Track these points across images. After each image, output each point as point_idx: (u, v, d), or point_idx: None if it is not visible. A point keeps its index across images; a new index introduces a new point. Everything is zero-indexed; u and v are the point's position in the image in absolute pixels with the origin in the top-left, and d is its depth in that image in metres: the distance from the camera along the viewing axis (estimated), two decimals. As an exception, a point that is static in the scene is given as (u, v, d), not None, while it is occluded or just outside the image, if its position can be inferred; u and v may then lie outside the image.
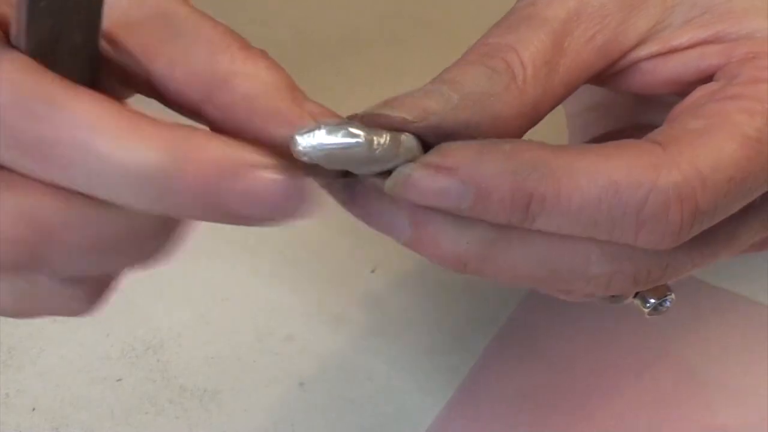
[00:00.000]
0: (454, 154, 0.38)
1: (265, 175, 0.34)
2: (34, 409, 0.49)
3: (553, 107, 0.42)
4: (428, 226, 0.39)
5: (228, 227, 0.56)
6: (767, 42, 0.41)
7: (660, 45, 0.42)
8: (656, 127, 0.41)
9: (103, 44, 0.37)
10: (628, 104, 0.46)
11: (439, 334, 0.52)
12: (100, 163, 0.33)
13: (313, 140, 0.35)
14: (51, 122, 0.33)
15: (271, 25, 0.66)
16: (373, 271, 0.55)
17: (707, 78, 0.42)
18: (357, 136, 0.35)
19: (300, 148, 0.35)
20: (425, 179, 0.37)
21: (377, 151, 0.36)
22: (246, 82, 0.36)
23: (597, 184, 0.37)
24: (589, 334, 0.52)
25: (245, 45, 0.37)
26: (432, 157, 0.38)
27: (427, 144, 0.38)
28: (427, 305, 0.53)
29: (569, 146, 0.38)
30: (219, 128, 0.37)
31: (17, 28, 0.34)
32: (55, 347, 0.51)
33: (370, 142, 0.36)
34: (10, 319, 0.52)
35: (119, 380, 0.50)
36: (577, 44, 0.42)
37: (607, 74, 0.43)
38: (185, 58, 0.37)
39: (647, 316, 0.43)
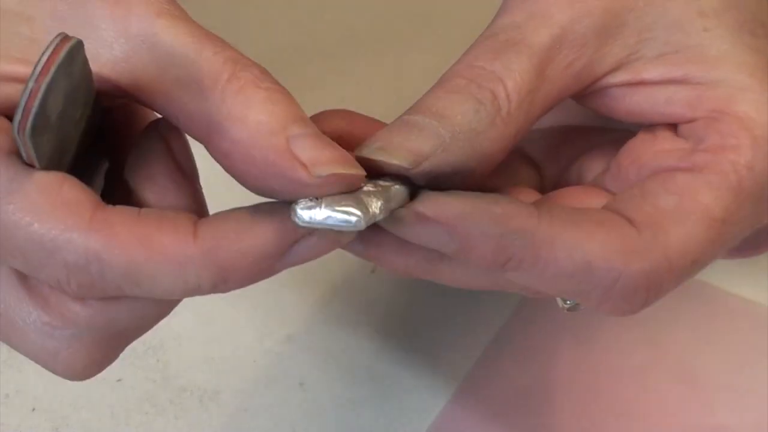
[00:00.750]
0: (445, 207, 0.39)
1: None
2: (34, 409, 0.49)
3: (530, 128, 0.43)
4: (378, 249, 0.40)
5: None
6: (732, 98, 0.42)
7: (631, 75, 0.43)
8: (599, 129, 0.44)
9: (107, 93, 0.37)
10: (575, 106, 0.46)
11: (439, 334, 0.52)
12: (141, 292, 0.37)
13: (313, 215, 0.36)
14: (90, 271, 0.36)
15: (271, 25, 0.66)
16: (373, 271, 0.55)
17: (670, 121, 0.43)
18: (355, 215, 0.37)
19: (299, 222, 0.36)
20: (417, 227, 0.39)
21: (371, 221, 0.37)
22: (236, 127, 0.36)
23: (573, 261, 0.39)
24: (590, 334, 0.52)
25: (235, 73, 0.37)
26: (424, 207, 0.39)
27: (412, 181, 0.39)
28: (427, 305, 0.53)
29: (554, 215, 0.40)
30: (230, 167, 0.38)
31: (28, 155, 0.35)
32: (55, 347, 0.51)
33: (366, 217, 0.37)
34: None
35: (119, 380, 0.50)
36: (556, 71, 0.43)
37: (578, 96, 0.44)
38: (181, 100, 0.37)
39: (565, 311, 0.44)
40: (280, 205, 0.37)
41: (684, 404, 0.50)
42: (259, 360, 0.51)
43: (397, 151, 0.40)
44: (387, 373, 0.51)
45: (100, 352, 0.40)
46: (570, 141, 0.47)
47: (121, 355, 0.51)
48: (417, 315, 0.53)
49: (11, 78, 0.37)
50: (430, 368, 0.51)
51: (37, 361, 0.40)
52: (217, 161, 0.37)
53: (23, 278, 0.38)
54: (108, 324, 0.39)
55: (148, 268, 0.36)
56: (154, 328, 0.52)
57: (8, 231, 0.36)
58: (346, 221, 0.36)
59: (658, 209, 0.41)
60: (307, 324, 0.52)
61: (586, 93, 0.44)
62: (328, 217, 0.36)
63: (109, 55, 0.37)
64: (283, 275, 0.54)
